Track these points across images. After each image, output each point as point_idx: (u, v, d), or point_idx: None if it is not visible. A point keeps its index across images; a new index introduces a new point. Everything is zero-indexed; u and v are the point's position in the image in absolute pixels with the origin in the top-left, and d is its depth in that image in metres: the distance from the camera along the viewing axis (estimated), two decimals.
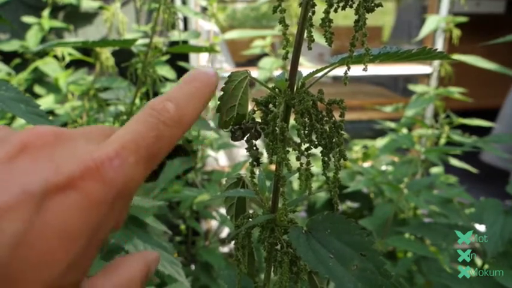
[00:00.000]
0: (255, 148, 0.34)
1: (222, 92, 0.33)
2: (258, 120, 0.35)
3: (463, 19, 1.44)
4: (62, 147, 0.21)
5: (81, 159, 0.20)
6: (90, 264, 0.22)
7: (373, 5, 0.27)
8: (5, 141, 0.20)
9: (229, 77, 0.33)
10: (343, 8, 0.29)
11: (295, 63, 0.32)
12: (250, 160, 0.35)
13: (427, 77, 1.63)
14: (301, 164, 0.33)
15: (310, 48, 0.30)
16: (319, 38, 0.94)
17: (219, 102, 0.33)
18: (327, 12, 0.29)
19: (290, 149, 0.34)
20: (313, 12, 0.30)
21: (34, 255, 0.18)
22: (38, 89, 1.43)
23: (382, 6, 0.28)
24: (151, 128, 0.23)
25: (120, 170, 0.21)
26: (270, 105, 0.34)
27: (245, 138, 0.34)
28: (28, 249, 0.18)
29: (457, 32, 1.48)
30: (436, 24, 1.46)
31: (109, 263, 0.25)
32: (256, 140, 0.34)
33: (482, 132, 1.60)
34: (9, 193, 0.18)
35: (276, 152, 0.32)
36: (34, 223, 0.18)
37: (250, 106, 0.35)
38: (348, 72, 0.31)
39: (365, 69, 0.29)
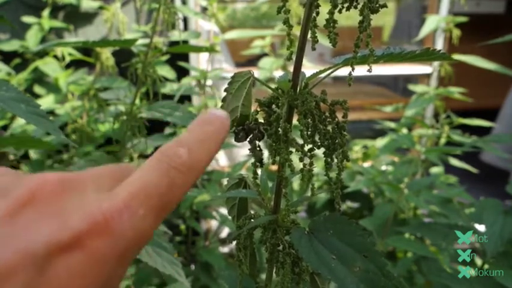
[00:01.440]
0: (258, 149, 0.34)
1: (225, 93, 0.33)
2: (261, 121, 0.34)
3: (463, 19, 1.44)
4: (69, 196, 0.20)
5: (88, 213, 0.19)
6: None
7: (377, 5, 0.27)
8: (9, 192, 0.19)
9: (232, 77, 0.33)
10: (348, 9, 0.29)
11: (298, 63, 0.32)
12: (253, 161, 0.35)
13: (427, 77, 1.63)
14: (304, 164, 0.33)
15: (314, 49, 0.30)
16: (321, 39, 0.94)
17: (222, 103, 0.33)
18: (331, 13, 0.29)
19: (293, 150, 0.34)
20: (317, 13, 0.30)
21: None
22: (38, 89, 1.42)
23: (386, 7, 0.28)
24: (163, 175, 0.22)
25: (130, 223, 0.20)
26: (273, 106, 0.34)
27: (248, 139, 0.34)
28: None
29: (457, 32, 1.49)
30: (436, 24, 1.46)
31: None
32: (259, 140, 0.34)
33: (482, 132, 1.60)
34: (10, 254, 0.17)
35: (279, 153, 0.32)
36: (37, 286, 0.17)
37: (253, 107, 0.35)
38: (352, 72, 0.31)
39: (369, 70, 0.29)
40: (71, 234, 0.18)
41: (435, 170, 1.45)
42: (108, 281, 0.19)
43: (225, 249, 1.53)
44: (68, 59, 1.39)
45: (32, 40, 1.37)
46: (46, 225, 0.18)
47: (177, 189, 0.22)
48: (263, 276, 0.47)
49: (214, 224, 1.55)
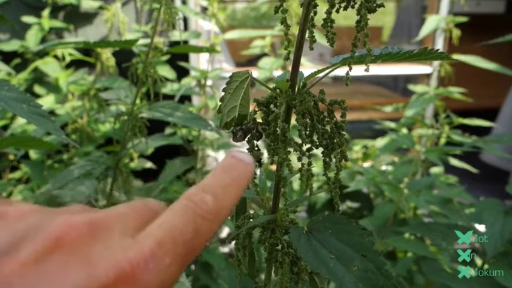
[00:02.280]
0: (256, 149, 0.34)
1: (223, 93, 0.33)
2: (259, 120, 0.34)
3: (463, 19, 1.44)
4: (96, 242, 0.20)
5: (115, 261, 0.19)
6: None
7: (375, 5, 0.27)
8: (36, 235, 0.19)
9: (230, 77, 0.33)
10: (345, 9, 0.29)
11: (296, 63, 0.32)
12: None
13: (427, 77, 1.63)
14: (302, 164, 0.33)
15: (312, 49, 0.30)
16: (320, 38, 0.94)
17: (220, 103, 0.33)
18: (328, 12, 0.29)
19: (291, 150, 0.34)
20: (315, 13, 0.30)
21: None
22: (38, 89, 1.43)
23: (383, 6, 0.28)
24: (189, 222, 0.22)
25: (155, 272, 0.20)
26: (271, 106, 0.34)
27: (246, 139, 0.34)
28: None
29: (457, 32, 1.49)
30: (436, 24, 1.46)
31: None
32: (257, 140, 0.34)
33: (482, 132, 1.60)
34: None
35: (277, 153, 0.32)
36: None
37: (252, 106, 0.35)
38: (349, 72, 0.31)
39: (367, 70, 0.29)
40: (98, 283, 0.18)
41: (435, 170, 1.45)
42: None
43: (225, 249, 1.53)
44: (68, 59, 1.40)
45: (32, 40, 1.37)
46: (73, 272, 0.18)
47: (202, 236, 0.22)
48: (262, 275, 0.47)
49: None
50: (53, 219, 0.20)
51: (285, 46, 0.31)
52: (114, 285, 0.18)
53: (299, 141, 0.33)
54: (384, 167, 1.49)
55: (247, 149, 0.34)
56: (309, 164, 0.33)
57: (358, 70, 0.33)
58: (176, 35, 1.29)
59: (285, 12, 0.29)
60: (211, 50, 0.97)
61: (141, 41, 0.99)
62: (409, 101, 1.54)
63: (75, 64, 1.43)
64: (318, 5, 0.29)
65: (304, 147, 0.33)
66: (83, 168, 0.80)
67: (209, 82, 1.37)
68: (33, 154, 1.34)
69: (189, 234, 0.21)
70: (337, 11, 0.29)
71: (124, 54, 1.26)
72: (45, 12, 1.41)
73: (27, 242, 0.19)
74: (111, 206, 0.23)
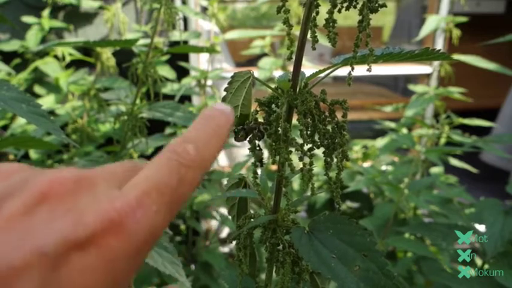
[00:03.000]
0: (258, 148, 0.34)
1: (225, 93, 0.33)
2: (261, 120, 0.34)
3: (463, 19, 1.44)
4: (82, 194, 0.20)
5: (102, 211, 0.19)
6: None
7: (377, 5, 0.27)
8: (23, 189, 0.19)
9: (232, 77, 0.33)
10: (347, 9, 0.29)
11: (298, 63, 0.32)
12: (253, 160, 0.35)
13: (427, 77, 1.63)
14: (304, 164, 0.33)
15: (314, 49, 0.30)
16: (321, 38, 0.95)
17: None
18: (330, 12, 0.29)
19: (293, 150, 0.34)
20: (317, 13, 0.30)
21: None
22: (38, 89, 1.43)
23: (386, 6, 0.28)
24: (173, 171, 0.22)
25: (144, 220, 0.20)
26: (273, 106, 0.34)
27: (248, 139, 0.34)
28: None
29: (457, 32, 1.49)
30: (436, 24, 1.47)
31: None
32: (259, 140, 0.34)
33: (482, 132, 1.60)
34: (25, 251, 0.17)
35: (278, 153, 0.32)
36: (49, 285, 0.17)
37: (253, 106, 0.35)
38: (352, 72, 0.31)
39: (369, 70, 0.29)
40: (85, 231, 0.18)
41: (435, 170, 1.45)
42: (121, 278, 0.19)
43: (225, 249, 1.53)
44: (68, 59, 1.40)
45: (32, 40, 1.37)
46: (60, 223, 0.18)
47: (187, 185, 0.22)
48: (263, 276, 0.47)
49: (214, 224, 1.55)
50: (40, 175, 0.20)
51: (287, 46, 0.31)
52: (102, 234, 0.19)
53: (300, 141, 0.33)
54: (384, 167, 1.49)
55: (248, 148, 0.34)
56: (311, 163, 0.33)
57: (358, 70, 0.33)
58: (176, 35, 1.29)
59: (287, 12, 0.29)
60: (211, 50, 0.97)
61: (141, 41, 0.99)
62: (409, 101, 1.54)
63: (75, 64, 1.43)
64: (320, 5, 0.29)
65: (306, 147, 0.33)
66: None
67: (209, 82, 1.37)
68: (33, 154, 1.34)
69: (174, 183, 0.22)
70: (339, 11, 0.29)
71: (124, 54, 1.26)
72: (45, 12, 1.41)
73: (14, 197, 0.19)
74: None
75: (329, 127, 0.34)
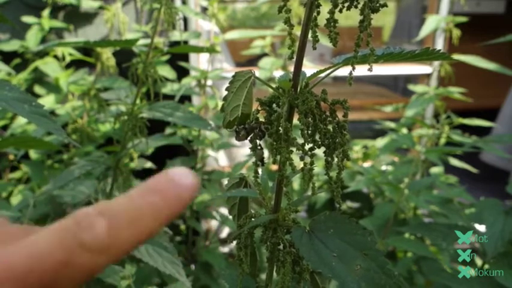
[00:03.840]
0: (259, 148, 0.34)
1: (226, 92, 0.33)
2: (262, 120, 0.35)
3: (463, 19, 1.44)
4: None
5: None
6: None
7: (378, 5, 0.28)
8: None
9: (233, 76, 0.33)
10: (348, 9, 0.29)
11: (298, 63, 0.32)
12: (254, 160, 0.35)
13: (427, 77, 1.63)
14: (304, 164, 0.33)
15: (315, 48, 0.30)
16: (321, 38, 0.95)
17: (223, 102, 0.33)
18: (332, 12, 0.29)
19: (293, 149, 0.34)
20: (318, 13, 0.30)
21: None
22: (38, 89, 1.43)
23: (387, 6, 0.28)
24: (61, 247, 0.16)
25: None
26: (274, 105, 0.34)
27: (249, 138, 0.34)
28: None
29: (457, 32, 1.49)
30: (436, 24, 1.47)
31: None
32: (260, 139, 0.34)
33: (482, 132, 1.60)
34: None
35: (279, 152, 0.32)
36: None
37: (254, 106, 0.35)
38: (352, 72, 0.31)
39: (370, 70, 0.29)
40: None
41: (435, 170, 1.45)
42: None
43: (225, 249, 1.53)
44: (68, 59, 1.40)
45: (32, 40, 1.37)
46: None
47: (76, 269, 0.16)
48: (263, 275, 0.48)
49: (214, 224, 1.55)
50: None
51: (288, 46, 0.31)
52: None
53: (301, 140, 0.33)
54: (383, 167, 1.49)
55: (249, 148, 0.34)
56: (311, 163, 0.33)
57: (358, 70, 0.33)
58: (176, 35, 1.29)
59: (289, 12, 0.29)
60: (211, 50, 0.97)
61: (141, 41, 0.99)
62: (409, 101, 1.54)
63: (75, 64, 1.43)
64: (321, 5, 0.29)
65: (307, 147, 0.33)
66: (83, 168, 0.80)
67: (209, 82, 1.37)
68: (33, 154, 1.34)
69: (54, 264, 0.16)
70: (340, 11, 0.29)
71: (124, 54, 1.26)
72: (45, 12, 1.41)
73: None
74: None
75: (330, 127, 0.34)
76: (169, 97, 1.26)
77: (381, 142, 1.62)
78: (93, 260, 0.16)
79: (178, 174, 0.18)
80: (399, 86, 3.44)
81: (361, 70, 0.35)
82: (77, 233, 0.16)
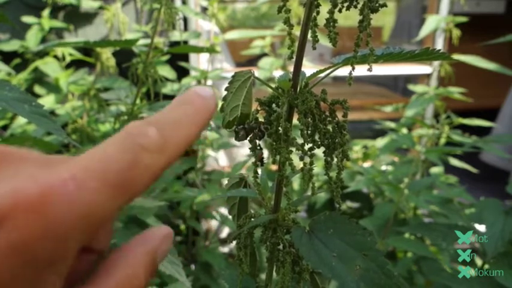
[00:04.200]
0: (258, 148, 0.34)
1: (225, 92, 0.33)
2: (262, 120, 0.35)
3: (463, 19, 1.44)
4: (4, 168, 0.17)
5: (18, 185, 0.16)
6: None
7: (377, 5, 0.27)
8: None
9: (233, 76, 0.33)
10: (348, 9, 0.29)
11: (298, 63, 0.32)
12: (254, 160, 0.35)
13: (427, 77, 1.63)
14: (304, 164, 0.33)
15: (314, 48, 0.30)
16: (321, 38, 0.95)
17: (222, 102, 0.33)
18: (331, 12, 0.29)
19: (293, 149, 0.34)
20: (318, 13, 0.30)
21: None
22: (38, 89, 1.43)
23: (386, 6, 0.28)
24: (126, 150, 0.18)
25: (76, 196, 0.16)
26: (274, 105, 0.34)
27: (248, 138, 0.34)
28: None
29: (457, 32, 1.49)
30: (436, 24, 1.47)
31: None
32: (259, 140, 0.34)
33: (482, 132, 1.60)
34: None
35: (279, 152, 0.32)
36: None
37: (254, 106, 0.35)
38: (352, 72, 0.31)
39: (370, 70, 0.29)
40: None
41: (435, 170, 1.45)
42: (36, 266, 0.16)
43: (225, 249, 1.53)
44: (68, 59, 1.40)
45: (32, 40, 1.37)
46: None
47: (144, 168, 0.18)
48: (263, 275, 0.47)
49: (214, 224, 1.55)
50: None
51: (288, 46, 0.31)
52: (12, 212, 0.15)
53: (300, 140, 0.33)
54: (383, 167, 1.49)
55: (249, 148, 0.34)
56: (311, 163, 0.33)
57: (358, 70, 0.33)
58: (176, 35, 1.29)
59: (288, 12, 0.29)
60: (211, 50, 0.97)
61: (141, 41, 0.99)
62: (409, 101, 1.54)
63: (75, 64, 1.43)
64: (320, 5, 0.29)
65: (306, 147, 0.33)
66: None
67: (209, 82, 1.37)
68: None
69: (125, 163, 0.18)
70: (340, 11, 0.29)
71: (124, 54, 1.26)
72: (45, 12, 1.41)
73: None
74: None
75: (329, 127, 0.34)
76: (169, 97, 1.26)
77: (381, 142, 1.62)
78: (154, 159, 0.19)
79: (202, 90, 0.23)
80: (399, 86, 3.44)
81: (361, 70, 0.35)
82: (134, 138, 0.19)
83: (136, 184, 0.18)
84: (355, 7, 0.28)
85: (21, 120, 1.29)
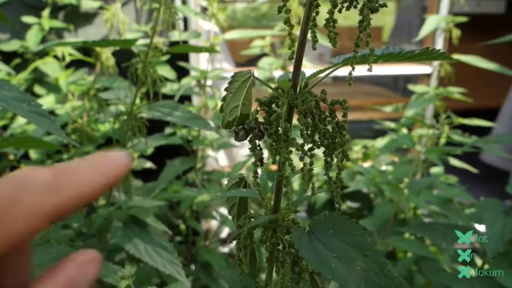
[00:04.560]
0: (258, 148, 0.34)
1: (225, 92, 0.33)
2: (261, 120, 0.34)
3: (463, 19, 1.44)
4: None
5: None
6: None
7: (377, 5, 0.27)
8: None
9: (232, 77, 0.33)
10: (348, 9, 0.29)
11: (298, 63, 0.32)
12: (254, 160, 0.35)
13: (427, 77, 1.63)
14: (304, 164, 0.33)
15: (314, 48, 0.30)
16: (321, 39, 0.94)
17: (222, 102, 0.33)
18: (331, 12, 0.29)
19: (293, 149, 0.34)
20: (317, 13, 0.30)
21: None
22: (38, 89, 1.43)
23: (386, 6, 0.28)
24: (5, 190, 0.18)
25: None
26: (273, 106, 0.34)
27: (248, 138, 0.34)
28: None
29: (457, 32, 1.49)
30: (436, 24, 1.46)
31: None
32: (259, 140, 0.34)
33: (482, 132, 1.60)
34: None
35: (279, 152, 0.32)
36: None
37: (254, 106, 0.35)
38: (352, 72, 0.31)
39: (370, 70, 0.29)
40: None
41: (435, 170, 1.45)
42: None
43: (225, 249, 1.53)
44: (68, 59, 1.40)
45: (32, 40, 1.37)
46: None
47: (24, 207, 0.18)
48: (263, 275, 0.47)
49: (214, 224, 1.55)
50: None
51: (288, 46, 0.31)
52: None
53: (300, 141, 0.33)
54: (383, 167, 1.49)
55: (249, 148, 0.34)
56: (311, 163, 0.33)
57: (358, 70, 0.33)
58: (176, 35, 1.28)
59: (288, 12, 0.29)
60: (211, 50, 0.97)
61: (141, 41, 0.99)
62: (409, 101, 1.54)
63: (75, 64, 1.43)
64: (320, 5, 0.29)
65: (306, 147, 0.33)
66: None
67: (209, 82, 1.37)
68: (33, 154, 1.33)
69: (2, 201, 0.18)
70: (340, 11, 0.29)
71: (124, 54, 1.26)
72: (45, 12, 1.41)
73: None
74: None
75: (329, 127, 0.34)
76: (169, 97, 1.26)
77: (380, 142, 1.62)
78: (39, 199, 0.18)
79: (117, 153, 0.21)
80: (399, 86, 3.44)
81: (361, 70, 0.35)
82: (17, 179, 0.18)
83: (14, 222, 0.18)
84: (355, 7, 0.28)
85: (21, 120, 1.29)
